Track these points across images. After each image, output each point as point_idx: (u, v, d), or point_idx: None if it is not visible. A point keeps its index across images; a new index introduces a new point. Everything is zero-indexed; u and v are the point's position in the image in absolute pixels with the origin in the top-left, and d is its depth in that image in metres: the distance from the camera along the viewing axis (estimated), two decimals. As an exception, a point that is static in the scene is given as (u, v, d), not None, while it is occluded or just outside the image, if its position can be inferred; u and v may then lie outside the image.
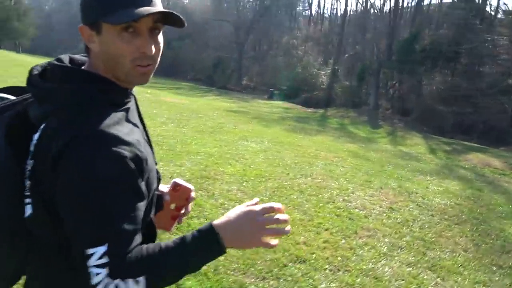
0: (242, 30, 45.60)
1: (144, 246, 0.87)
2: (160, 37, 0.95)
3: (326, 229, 4.43)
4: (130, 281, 0.81)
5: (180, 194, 1.19)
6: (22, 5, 58.85)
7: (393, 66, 27.82)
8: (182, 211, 1.22)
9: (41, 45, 69.86)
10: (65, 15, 78.61)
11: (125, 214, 0.84)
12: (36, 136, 0.89)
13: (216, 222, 0.91)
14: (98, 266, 0.80)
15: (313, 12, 55.88)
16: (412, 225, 5.13)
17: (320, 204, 5.31)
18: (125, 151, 0.85)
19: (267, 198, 5.17)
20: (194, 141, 8.63)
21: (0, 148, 0.89)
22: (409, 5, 38.31)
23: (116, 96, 0.95)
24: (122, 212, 0.84)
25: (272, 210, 0.93)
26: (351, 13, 48.31)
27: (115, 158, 0.83)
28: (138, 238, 0.87)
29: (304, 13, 61.32)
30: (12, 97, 1.02)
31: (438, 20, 32.64)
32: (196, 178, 5.58)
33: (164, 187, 1.21)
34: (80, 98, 0.89)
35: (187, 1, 68.50)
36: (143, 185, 0.90)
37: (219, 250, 0.89)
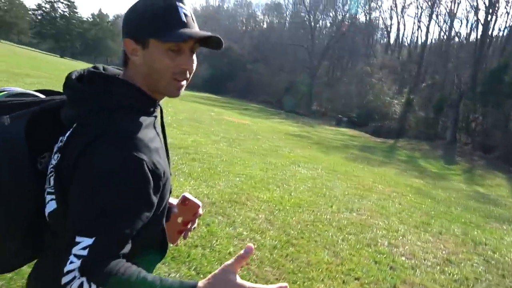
0: (316, 55, 45.26)
1: (127, 264, 0.84)
2: (195, 57, 1.03)
3: (357, 278, 3.66)
4: (93, 285, 0.79)
5: (188, 208, 1.21)
6: (118, 26, 64.96)
7: (476, 97, 25.49)
8: (188, 226, 1.24)
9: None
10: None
11: (125, 216, 0.86)
12: (67, 134, 0.96)
13: (201, 285, 0.83)
14: (76, 255, 0.80)
15: (392, 40, 53.99)
16: (473, 286, 4.14)
17: (358, 246, 4.52)
18: (145, 156, 0.89)
19: (295, 232, 4.51)
20: (240, 162, 8.22)
21: (18, 142, 0.94)
22: (500, 34, 35.36)
23: (146, 105, 1.02)
24: (123, 214, 0.86)
25: None
26: (433, 41, 45.99)
27: (133, 161, 0.87)
28: (127, 247, 0.87)
29: (382, 41, 59.60)
30: (42, 96, 1.11)
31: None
32: (223, 201, 5.10)
33: (173, 200, 1.24)
34: (114, 103, 0.96)
35: (265, 26, 70.37)
36: (154, 193, 0.92)
37: None
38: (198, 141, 9.83)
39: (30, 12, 56.29)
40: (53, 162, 0.96)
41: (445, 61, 33.61)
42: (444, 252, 4.98)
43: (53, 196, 0.94)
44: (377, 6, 55.31)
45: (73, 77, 1.01)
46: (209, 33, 0.98)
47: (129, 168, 0.87)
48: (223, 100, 38.13)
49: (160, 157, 0.96)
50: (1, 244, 0.98)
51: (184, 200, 1.21)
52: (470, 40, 35.41)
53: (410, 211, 6.93)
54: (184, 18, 0.97)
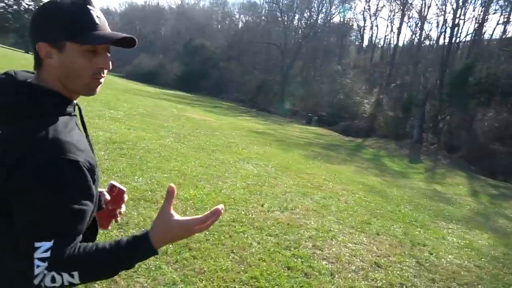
0: (289, 54, 44.99)
1: (83, 244, 0.96)
2: (109, 55, 1.07)
3: (257, 289, 3.14)
4: (65, 274, 0.91)
5: (116, 195, 1.33)
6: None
7: (442, 98, 25.62)
8: (117, 211, 1.35)
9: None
10: (126, 33, 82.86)
11: (74, 215, 0.94)
12: None
13: (153, 231, 0.99)
14: (40, 259, 0.89)
15: (365, 42, 54.24)
16: (396, 292, 3.69)
17: (274, 249, 4.01)
18: (79, 157, 0.94)
19: (201, 234, 3.95)
20: (179, 158, 7.63)
21: None
22: (467, 38, 35.85)
23: (66, 107, 1.04)
24: (72, 213, 0.93)
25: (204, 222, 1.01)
26: (404, 43, 46.37)
27: (70, 163, 0.92)
28: (80, 237, 0.97)
29: (356, 42, 59.86)
30: None
31: (499, 54, 30.04)
32: (129, 199, 4.50)
33: (100, 189, 1.29)
34: (34, 110, 0.97)
35: (241, 25, 69.74)
36: (93, 187, 0.99)
37: (152, 253, 1.00)
38: (140, 136, 9.20)
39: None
40: None
41: (415, 63, 33.83)
42: (374, 254, 4.53)
43: None
44: (351, 8, 55.36)
45: None
46: (124, 35, 1.04)
47: (69, 171, 0.92)
48: (193, 98, 37.36)
49: (88, 152, 1.01)
50: None
51: (112, 187, 1.32)
52: (440, 43, 35.79)
53: (353, 210, 6.50)
54: (97, 21, 1.01)
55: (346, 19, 54.76)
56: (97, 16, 1.01)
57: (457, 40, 32.23)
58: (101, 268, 0.97)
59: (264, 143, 13.87)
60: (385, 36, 51.08)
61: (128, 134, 9.09)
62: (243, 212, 5.00)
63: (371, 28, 54.95)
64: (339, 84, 34.88)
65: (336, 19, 57.34)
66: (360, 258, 4.32)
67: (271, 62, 49.27)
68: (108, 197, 1.31)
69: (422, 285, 3.93)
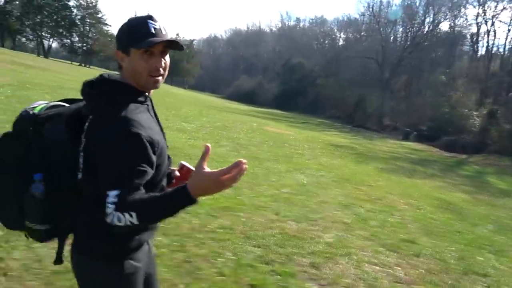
0: (388, 67, 42.47)
1: (141, 193, 1.23)
2: (167, 57, 1.38)
3: None
4: (127, 214, 1.17)
5: (185, 172, 1.58)
6: (193, 49, 68.60)
7: None
8: None
9: (206, 82, 78.55)
10: (230, 57, 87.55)
11: (134, 173, 1.22)
12: (86, 124, 1.32)
13: (189, 184, 1.19)
14: (110, 202, 1.18)
15: (482, 50, 48.27)
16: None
17: (249, 263, 3.22)
18: (140, 131, 1.24)
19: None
20: (218, 165, 7.18)
21: (57, 135, 1.35)
22: None
23: (137, 96, 1.36)
24: (132, 171, 1.22)
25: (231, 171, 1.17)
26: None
27: (132, 135, 1.23)
28: (141, 189, 1.24)
29: (470, 52, 53.94)
30: (67, 105, 1.49)
31: None
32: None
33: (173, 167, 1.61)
34: (111, 97, 1.32)
35: (341, 42, 68.39)
36: (152, 155, 1.27)
37: (190, 202, 1.19)
38: (194, 144, 8.98)
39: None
40: (81, 146, 1.31)
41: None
42: (394, 280, 3.43)
43: (80, 170, 1.32)
44: (462, 15, 50.15)
45: (85, 83, 1.37)
46: (167, 38, 1.33)
47: (131, 140, 1.23)
48: (286, 115, 37.18)
49: (154, 132, 1.31)
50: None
51: (182, 166, 1.60)
52: None
53: (402, 226, 5.29)
54: (153, 30, 1.31)
55: (456, 27, 49.88)
56: (154, 28, 1.31)
57: None
58: (152, 211, 1.20)
59: (337, 156, 12.79)
60: (506, 42, 44.55)
61: (183, 142, 8.98)
62: (243, 219, 4.29)
63: (487, 34, 48.66)
64: (444, 95, 31.50)
65: (444, 27, 52.57)
66: (370, 283, 3.29)
67: (369, 77, 47.04)
68: (177, 173, 1.58)
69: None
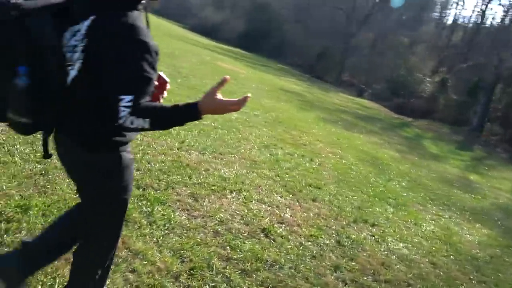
0: (355, 21, 41.86)
1: (152, 102, 1.36)
2: None
3: None
4: (140, 119, 1.28)
5: (161, 83, 1.58)
6: None
7: (518, 84, 22.14)
8: (160, 95, 1.62)
9: (172, 8, 73.83)
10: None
11: (145, 80, 1.31)
12: (85, 24, 1.33)
13: (201, 103, 1.33)
14: (124, 106, 1.26)
15: (450, 20, 48.54)
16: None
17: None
18: (148, 39, 1.31)
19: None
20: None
21: (46, 28, 1.33)
22: None
23: (136, 5, 1.39)
24: (144, 78, 1.30)
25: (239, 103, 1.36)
26: (494, 24, 40.89)
27: (142, 43, 1.29)
28: (149, 97, 1.35)
29: (438, 20, 54.17)
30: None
31: None
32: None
33: None
34: (121, 3, 1.35)
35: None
36: (157, 65, 1.37)
37: (196, 118, 1.35)
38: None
39: None
40: (74, 42, 1.34)
41: (495, 44, 29.60)
42: (278, 221, 3.25)
43: (74, 67, 1.34)
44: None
45: None
46: None
47: (142, 48, 1.29)
48: (246, 55, 36.10)
49: (153, 39, 1.37)
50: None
51: (159, 77, 1.56)
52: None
53: (316, 172, 5.16)
54: None
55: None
56: None
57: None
58: (163, 120, 1.35)
59: (282, 100, 12.50)
60: (472, 14, 44.94)
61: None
62: (142, 145, 3.91)
63: (456, 4, 48.83)
64: (403, 58, 31.74)
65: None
66: (247, 220, 3.09)
67: (336, 30, 46.20)
68: (156, 83, 1.57)
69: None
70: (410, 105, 26.93)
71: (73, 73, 1.34)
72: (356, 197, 4.62)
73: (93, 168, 1.47)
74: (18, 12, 1.28)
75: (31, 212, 2.32)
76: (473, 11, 52.98)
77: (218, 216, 2.99)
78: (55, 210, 2.41)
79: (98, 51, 1.29)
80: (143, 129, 1.33)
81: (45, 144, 1.48)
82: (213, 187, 3.45)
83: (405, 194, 5.69)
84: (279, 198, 3.77)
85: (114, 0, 1.35)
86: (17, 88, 1.29)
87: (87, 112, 1.39)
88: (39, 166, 2.86)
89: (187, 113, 1.33)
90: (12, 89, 1.30)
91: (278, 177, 4.39)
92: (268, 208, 3.44)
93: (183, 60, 13.05)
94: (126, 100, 1.25)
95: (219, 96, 1.33)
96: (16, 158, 2.84)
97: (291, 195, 3.94)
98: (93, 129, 1.41)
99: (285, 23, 52.32)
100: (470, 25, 45.35)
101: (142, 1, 1.41)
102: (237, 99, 1.32)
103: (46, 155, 1.50)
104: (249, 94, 1.33)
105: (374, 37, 49.00)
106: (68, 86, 1.35)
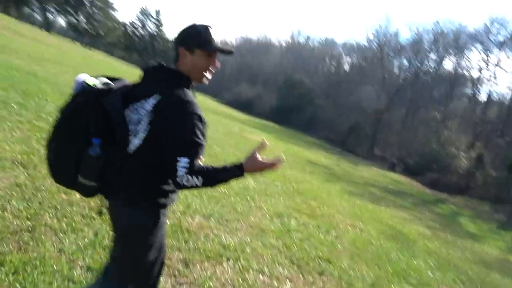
0: (386, 97, 42.36)
1: (205, 164, 1.58)
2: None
3: None
4: (195, 177, 1.51)
5: (274, 162, 1.79)
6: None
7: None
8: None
9: (210, 85, 77.71)
10: (236, 64, 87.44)
11: (200, 145, 1.55)
12: (150, 102, 1.61)
13: (244, 163, 1.63)
14: (182, 167, 1.50)
15: (483, 95, 47.97)
16: None
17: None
18: (201, 113, 1.61)
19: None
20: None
21: (118, 107, 1.62)
22: None
23: (190, 84, 1.71)
24: (198, 144, 1.55)
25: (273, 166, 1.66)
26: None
27: (198, 116, 1.58)
28: (203, 159, 1.59)
29: (471, 95, 53.92)
30: (110, 82, 1.74)
31: None
32: None
33: None
34: (179, 83, 1.67)
35: (346, 66, 68.33)
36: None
37: (241, 176, 1.62)
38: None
39: (122, 27, 61.38)
40: (135, 116, 1.63)
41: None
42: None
43: (138, 136, 1.60)
44: (466, 57, 50.07)
45: (151, 67, 1.72)
46: (229, 48, 1.76)
47: (199, 121, 1.56)
48: (278, 128, 36.72)
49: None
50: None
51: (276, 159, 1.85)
52: None
53: (331, 245, 4.82)
54: (213, 37, 1.68)
55: (459, 68, 49.89)
56: (212, 35, 1.69)
57: None
58: (214, 178, 1.56)
59: (307, 172, 12.31)
60: (509, 91, 44.27)
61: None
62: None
63: (489, 80, 48.51)
64: (435, 132, 31.25)
65: (448, 66, 52.54)
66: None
67: (367, 104, 46.79)
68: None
69: None
70: (444, 181, 25.92)
71: (136, 142, 1.60)
72: (371, 273, 4.22)
73: (134, 222, 1.66)
74: (99, 94, 1.61)
75: (3, 268, 2.22)
76: (509, 87, 52.32)
77: (207, 285, 2.75)
78: (29, 268, 2.30)
79: (163, 122, 1.55)
80: (196, 187, 1.53)
81: (101, 203, 1.76)
82: (208, 254, 3.25)
83: (430, 273, 5.18)
84: (281, 269, 3.49)
85: (175, 82, 1.64)
86: (91, 157, 1.59)
87: (146, 174, 1.62)
88: (28, 222, 2.80)
89: (234, 172, 1.60)
90: (86, 158, 1.59)
91: (285, 247, 4.12)
92: (266, 280, 3.17)
93: (210, 130, 13.32)
94: (183, 161, 1.50)
95: (259, 157, 1.62)
96: (6, 214, 2.80)
97: (295, 267, 3.65)
98: (144, 189, 1.63)
99: (317, 98, 53.75)
100: (506, 103, 44.73)
101: (193, 82, 1.71)
102: (271, 160, 1.61)
103: (100, 213, 1.82)
104: (283, 158, 1.64)
105: (405, 112, 49.16)
106: (130, 154, 1.61)
